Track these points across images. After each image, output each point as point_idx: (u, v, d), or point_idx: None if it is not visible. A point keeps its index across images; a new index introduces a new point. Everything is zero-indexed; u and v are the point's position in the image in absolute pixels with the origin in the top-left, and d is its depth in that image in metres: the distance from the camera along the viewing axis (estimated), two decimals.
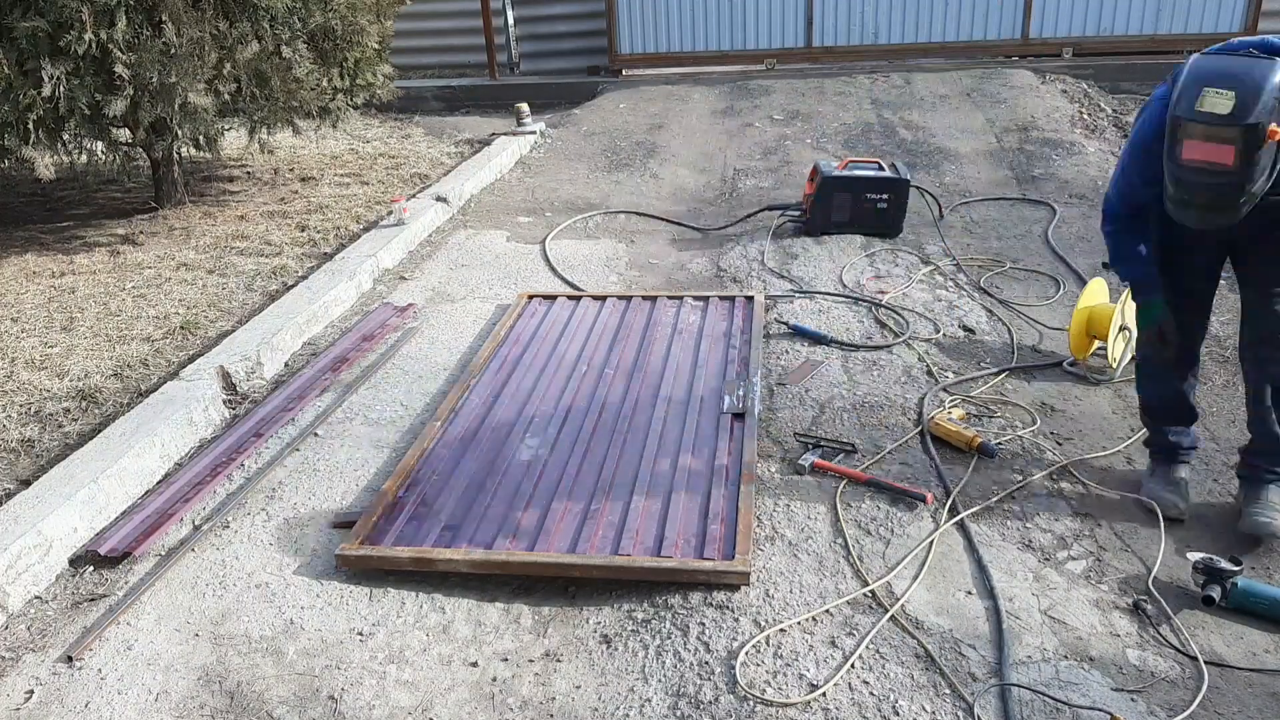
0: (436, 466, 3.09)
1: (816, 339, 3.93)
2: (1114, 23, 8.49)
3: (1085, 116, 7.31)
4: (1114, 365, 3.53)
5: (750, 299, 4.30)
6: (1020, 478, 2.96)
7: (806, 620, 2.40)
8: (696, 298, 4.39)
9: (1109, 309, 3.51)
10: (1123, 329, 3.49)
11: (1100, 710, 2.07)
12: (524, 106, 7.81)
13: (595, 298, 4.46)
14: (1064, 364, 3.63)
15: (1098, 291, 3.67)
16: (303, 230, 5.57)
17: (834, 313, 4.20)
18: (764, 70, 9.04)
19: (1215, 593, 2.35)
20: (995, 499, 2.85)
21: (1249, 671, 2.19)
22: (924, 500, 2.82)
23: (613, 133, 7.63)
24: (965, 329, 4.01)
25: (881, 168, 5.23)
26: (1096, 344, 3.62)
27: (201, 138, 5.54)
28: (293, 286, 4.62)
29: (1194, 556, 2.44)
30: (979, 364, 3.70)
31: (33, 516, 2.71)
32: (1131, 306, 3.50)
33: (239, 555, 2.76)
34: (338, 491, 3.06)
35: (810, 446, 3.14)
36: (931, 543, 2.65)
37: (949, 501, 2.83)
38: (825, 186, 5.10)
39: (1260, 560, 2.57)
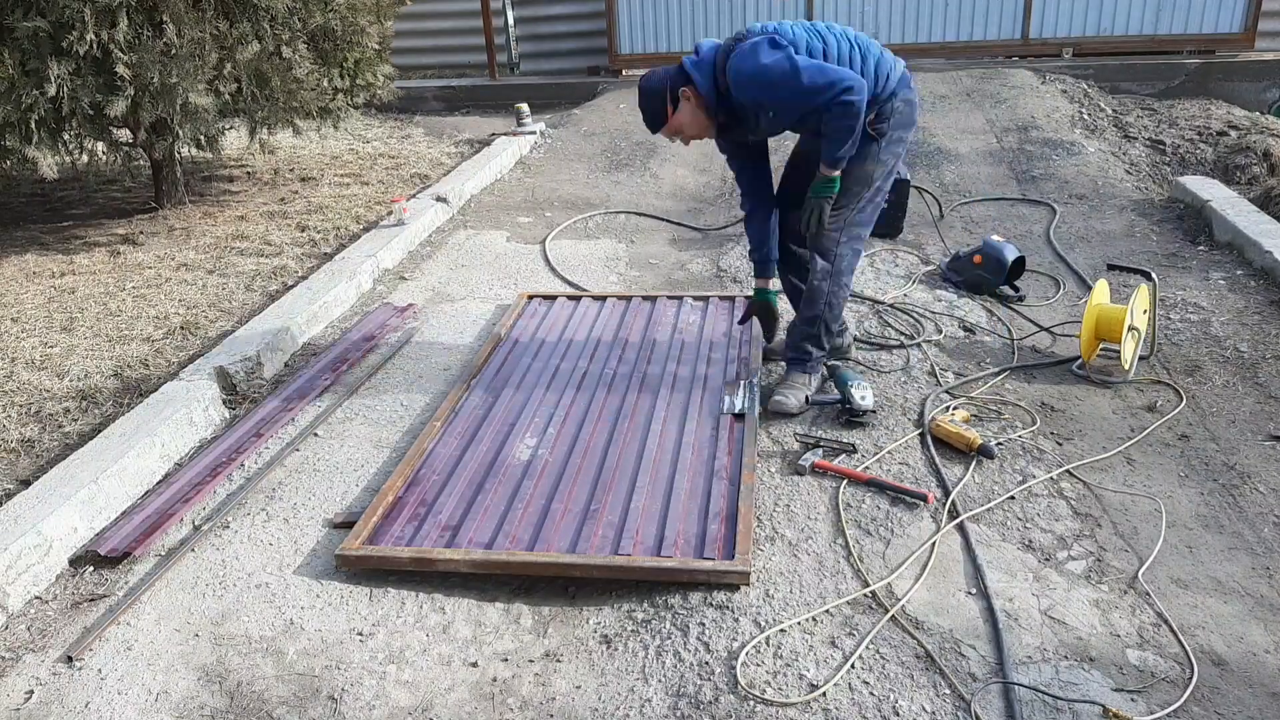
0: (436, 466, 3.09)
1: None
2: (1114, 23, 8.49)
3: (1085, 116, 7.30)
4: (1126, 367, 3.52)
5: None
6: (1020, 478, 2.96)
7: (806, 620, 2.40)
8: (696, 298, 4.39)
9: (1119, 311, 3.49)
10: (1131, 329, 3.48)
11: (1095, 703, 2.07)
12: (524, 107, 7.82)
13: (595, 298, 4.46)
14: (1073, 367, 3.63)
15: (1104, 295, 3.66)
16: (303, 230, 5.57)
17: None
18: None
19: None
20: (995, 499, 2.85)
21: (1249, 671, 2.20)
22: (924, 500, 2.82)
23: (613, 133, 7.63)
24: (966, 329, 4.01)
25: None
26: (1101, 345, 3.62)
27: (202, 138, 5.55)
28: (293, 286, 4.62)
29: None
30: (979, 364, 3.70)
31: (33, 516, 2.71)
32: (1140, 308, 3.51)
33: (239, 555, 2.76)
34: (338, 491, 3.06)
35: (810, 446, 3.14)
36: (933, 544, 2.65)
37: (948, 502, 2.83)
38: None
39: None
